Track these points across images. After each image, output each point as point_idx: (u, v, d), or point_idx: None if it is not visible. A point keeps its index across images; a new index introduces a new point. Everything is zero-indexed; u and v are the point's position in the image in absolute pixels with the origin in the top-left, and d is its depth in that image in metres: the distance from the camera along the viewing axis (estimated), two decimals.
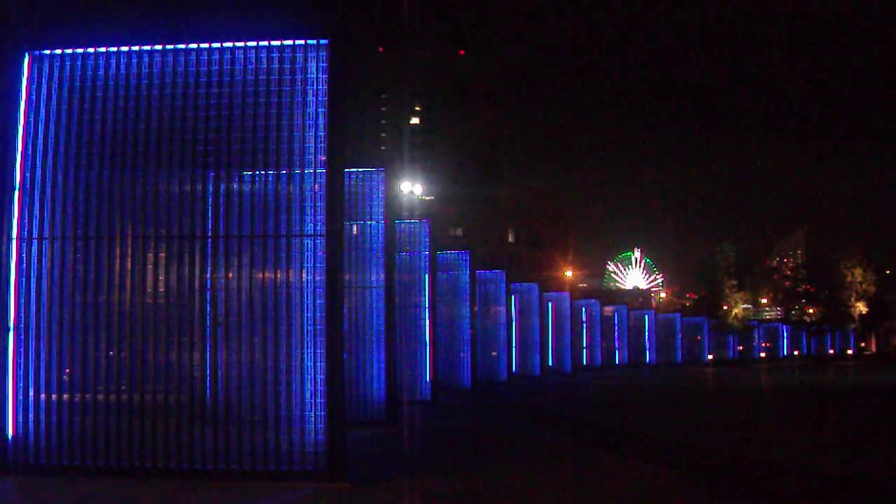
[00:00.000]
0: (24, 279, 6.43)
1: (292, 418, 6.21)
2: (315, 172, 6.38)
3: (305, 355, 6.27)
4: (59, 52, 6.59)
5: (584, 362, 33.61)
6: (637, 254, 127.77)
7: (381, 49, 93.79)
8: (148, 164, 6.50)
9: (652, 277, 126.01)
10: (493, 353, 22.21)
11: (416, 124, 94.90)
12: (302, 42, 6.48)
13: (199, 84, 6.49)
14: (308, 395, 6.22)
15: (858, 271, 57.54)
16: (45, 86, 6.58)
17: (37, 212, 6.49)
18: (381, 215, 10.93)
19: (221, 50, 6.51)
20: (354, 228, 10.86)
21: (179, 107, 6.50)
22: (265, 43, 6.50)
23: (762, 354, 52.15)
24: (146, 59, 6.54)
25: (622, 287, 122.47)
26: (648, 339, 41.51)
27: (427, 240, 14.95)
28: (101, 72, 6.57)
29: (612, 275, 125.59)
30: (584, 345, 34.07)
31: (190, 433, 6.24)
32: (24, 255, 6.45)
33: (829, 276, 59.18)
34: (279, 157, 6.42)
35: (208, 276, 6.42)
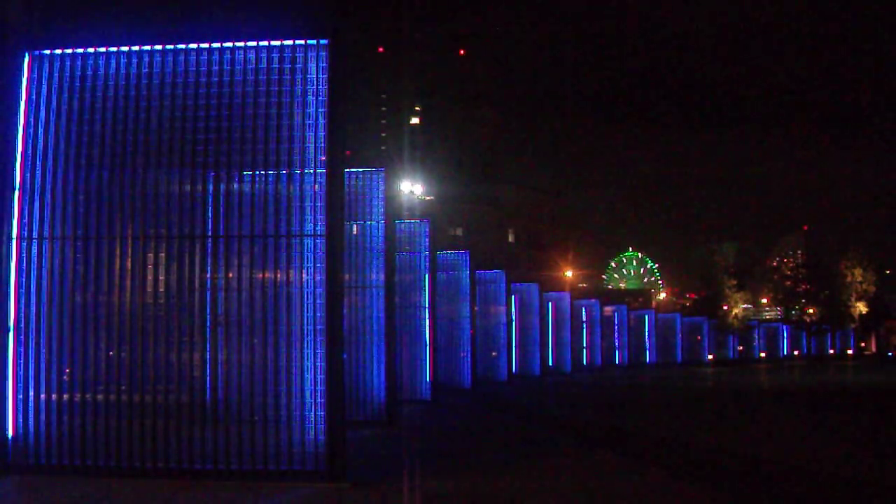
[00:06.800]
0: (24, 279, 6.43)
1: (292, 418, 6.21)
2: (315, 172, 6.38)
3: (305, 355, 6.27)
4: (59, 52, 6.59)
5: (584, 362, 33.57)
6: (636, 254, 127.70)
7: (381, 49, 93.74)
8: (148, 164, 6.50)
9: (652, 278, 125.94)
10: (493, 353, 22.20)
11: (416, 124, 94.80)
12: (302, 42, 6.48)
13: (199, 84, 6.49)
14: (308, 395, 6.22)
15: (858, 271, 57.53)
16: (45, 86, 6.58)
17: (37, 212, 6.48)
18: (381, 215, 10.94)
19: (221, 50, 6.51)
20: (354, 228, 10.87)
21: (179, 107, 6.50)
22: (265, 43, 6.50)
23: (762, 354, 52.10)
24: (146, 59, 6.54)
25: (622, 287, 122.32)
26: (648, 339, 41.46)
27: (427, 240, 14.94)
28: (101, 72, 6.56)
29: (613, 274, 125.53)
30: (584, 345, 34.04)
31: (190, 433, 6.24)
32: (24, 255, 6.45)
33: (829, 276, 59.17)
34: (279, 157, 6.42)
35: (208, 276, 6.42)
